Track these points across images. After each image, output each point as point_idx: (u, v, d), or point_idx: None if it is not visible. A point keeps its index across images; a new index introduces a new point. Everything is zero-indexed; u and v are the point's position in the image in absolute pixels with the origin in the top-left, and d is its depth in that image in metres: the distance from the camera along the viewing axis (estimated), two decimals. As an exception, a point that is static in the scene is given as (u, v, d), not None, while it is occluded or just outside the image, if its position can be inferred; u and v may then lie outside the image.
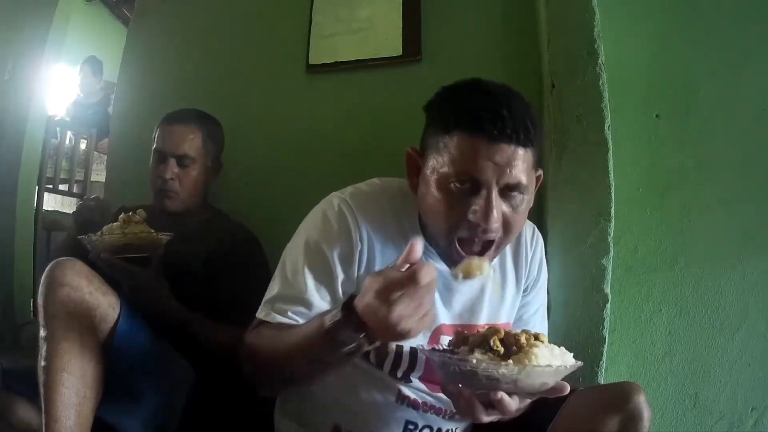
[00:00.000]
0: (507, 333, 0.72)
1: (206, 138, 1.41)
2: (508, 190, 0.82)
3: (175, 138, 1.37)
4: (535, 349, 0.69)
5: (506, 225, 0.83)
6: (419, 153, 0.91)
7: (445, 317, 0.96)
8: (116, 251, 1.18)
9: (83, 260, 1.03)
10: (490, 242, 0.85)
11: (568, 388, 0.71)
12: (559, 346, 0.74)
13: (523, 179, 0.82)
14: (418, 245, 0.68)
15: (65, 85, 4.12)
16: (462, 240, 0.85)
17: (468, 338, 0.77)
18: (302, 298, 0.88)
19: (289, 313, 0.88)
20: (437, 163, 0.84)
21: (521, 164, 0.81)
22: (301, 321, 0.87)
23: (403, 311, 0.64)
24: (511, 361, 0.68)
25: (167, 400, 1.11)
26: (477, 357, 0.69)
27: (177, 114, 1.42)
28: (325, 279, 0.90)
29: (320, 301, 0.89)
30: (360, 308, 0.68)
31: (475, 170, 0.80)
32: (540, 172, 0.90)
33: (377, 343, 0.73)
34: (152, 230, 1.22)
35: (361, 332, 0.69)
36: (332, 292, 0.90)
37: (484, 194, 0.80)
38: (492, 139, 0.78)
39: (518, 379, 0.68)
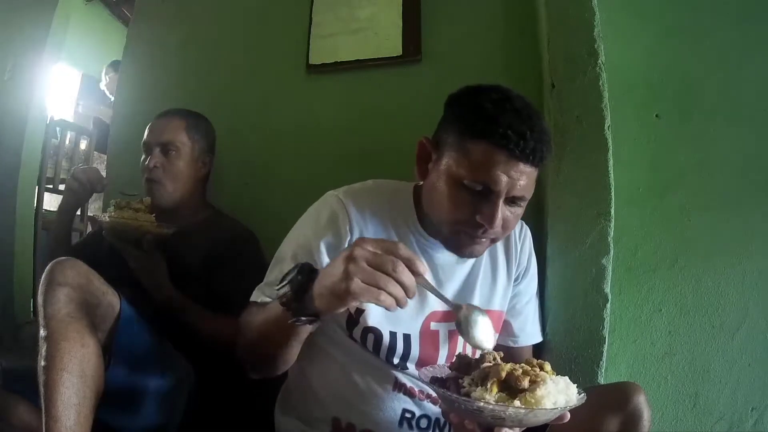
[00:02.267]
0: (509, 372, 0.72)
1: (190, 128, 1.43)
2: (513, 199, 0.89)
3: (159, 128, 1.42)
4: (542, 389, 0.70)
5: (505, 225, 0.91)
6: (433, 144, 0.95)
7: (436, 304, 0.99)
8: (108, 234, 1.26)
9: (77, 255, 1.04)
10: (490, 240, 0.94)
11: (569, 417, 0.73)
12: (563, 376, 0.75)
13: (528, 193, 0.90)
14: None
15: (65, 86, 4.12)
16: (465, 232, 0.91)
17: (471, 362, 0.79)
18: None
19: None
20: (453, 161, 0.89)
21: (530, 180, 0.89)
22: None
23: (356, 268, 0.68)
24: (518, 402, 0.69)
25: (168, 400, 1.11)
26: (484, 397, 0.70)
27: (164, 110, 1.46)
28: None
29: None
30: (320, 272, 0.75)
31: (490, 180, 0.86)
32: None
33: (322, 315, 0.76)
34: (148, 218, 1.25)
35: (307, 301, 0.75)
36: None
37: (493, 200, 0.87)
38: (513, 157, 0.85)
39: (524, 418, 0.69)
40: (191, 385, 1.17)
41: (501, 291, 1.07)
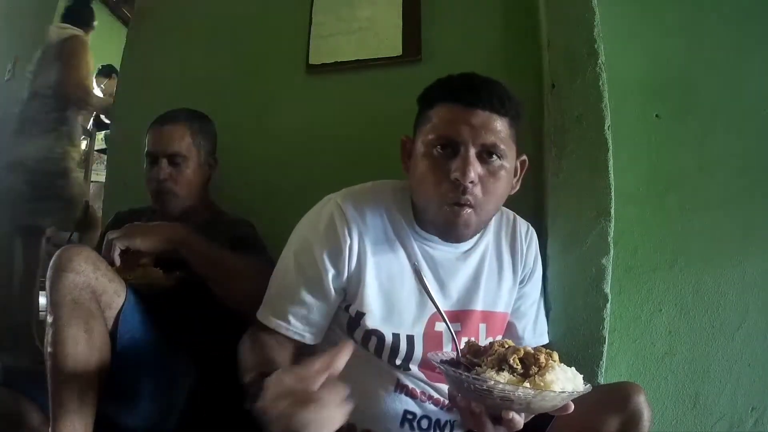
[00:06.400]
0: (527, 352, 0.73)
1: (196, 134, 1.41)
2: (485, 153, 0.91)
3: (165, 138, 1.38)
4: (551, 374, 0.70)
5: (484, 188, 0.91)
6: (411, 138, 1.01)
7: (440, 303, 0.96)
8: None
9: None
10: (471, 205, 0.91)
11: (573, 407, 0.73)
12: (570, 366, 0.75)
13: (499, 143, 0.90)
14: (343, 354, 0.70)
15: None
16: (447, 202, 0.91)
17: (480, 349, 0.78)
18: (297, 298, 0.96)
19: (290, 316, 0.96)
20: (423, 135, 0.94)
21: (496, 130, 0.90)
22: (295, 322, 0.96)
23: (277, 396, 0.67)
24: (527, 384, 0.69)
25: (168, 394, 1.11)
26: (494, 377, 0.70)
27: (165, 115, 1.42)
28: (315, 277, 0.96)
29: (313, 300, 0.96)
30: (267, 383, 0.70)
31: (453, 132, 0.90)
32: (524, 157, 1.01)
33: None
34: (156, 273, 1.18)
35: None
36: (324, 290, 0.97)
37: (462, 153, 0.89)
38: (468, 105, 0.89)
39: (532, 401, 0.69)
40: (192, 383, 1.16)
41: (506, 292, 1.06)
